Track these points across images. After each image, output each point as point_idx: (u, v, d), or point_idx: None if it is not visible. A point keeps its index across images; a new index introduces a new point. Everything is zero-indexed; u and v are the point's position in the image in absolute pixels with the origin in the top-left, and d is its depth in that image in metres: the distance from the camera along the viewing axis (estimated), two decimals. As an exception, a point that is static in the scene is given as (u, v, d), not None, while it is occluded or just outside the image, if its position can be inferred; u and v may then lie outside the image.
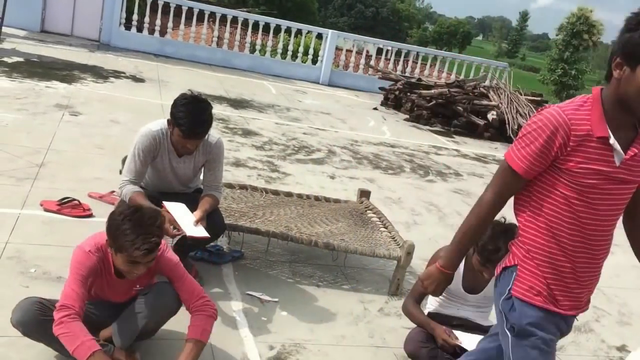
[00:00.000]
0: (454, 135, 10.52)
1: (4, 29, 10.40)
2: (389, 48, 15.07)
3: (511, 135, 10.70)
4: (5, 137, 5.30)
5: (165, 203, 3.16)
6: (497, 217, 2.97)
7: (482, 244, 2.81)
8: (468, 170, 8.03)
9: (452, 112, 11.05)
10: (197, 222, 3.12)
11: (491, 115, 10.87)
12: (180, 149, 3.29)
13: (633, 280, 5.09)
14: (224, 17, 13.28)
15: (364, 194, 4.84)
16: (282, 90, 11.48)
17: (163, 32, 12.77)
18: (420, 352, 2.98)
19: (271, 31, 13.66)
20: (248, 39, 13.34)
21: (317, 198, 4.68)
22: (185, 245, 3.35)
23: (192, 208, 3.22)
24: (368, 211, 4.57)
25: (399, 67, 14.43)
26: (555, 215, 1.93)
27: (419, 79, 12.02)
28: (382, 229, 4.29)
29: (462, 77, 13.97)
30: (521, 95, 12.05)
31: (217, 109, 8.12)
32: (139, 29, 12.69)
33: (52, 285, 3.15)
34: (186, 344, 2.49)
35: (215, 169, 3.44)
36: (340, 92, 12.85)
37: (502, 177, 2.00)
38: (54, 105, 6.77)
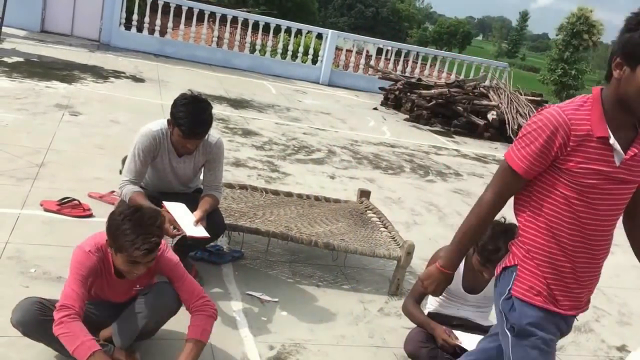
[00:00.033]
0: (454, 135, 10.52)
1: (4, 29, 10.40)
2: (389, 48, 15.08)
3: (511, 135, 10.70)
4: (5, 137, 5.30)
5: (165, 203, 3.16)
6: (497, 217, 2.98)
7: (482, 244, 2.81)
8: (468, 170, 8.03)
9: (452, 112, 11.05)
10: (197, 222, 3.12)
11: (491, 115, 10.87)
12: (180, 149, 3.29)
13: (633, 280, 5.09)
14: (224, 17, 13.28)
15: (364, 194, 4.85)
16: (282, 90, 11.48)
17: (163, 32, 12.77)
18: (420, 352, 2.98)
19: (271, 31, 13.67)
20: (248, 39, 13.34)
21: (317, 198, 4.68)
22: (185, 245, 3.35)
23: (192, 208, 3.22)
24: (368, 211, 4.57)
25: (399, 67, 14.43)
26: (555, 215, 1.93)
27: (419, 79, 12.02)
28: (382, 229, 4.29)
29: (462, 77, 13.97)
30: (521, 95, 12.05)
31: (217, 109, 8.12)
32: (139, 29, 12.69)
33: (52, 285, 3.15)
34: (186, 344, 2.50)
35: (215, 169, 3.44)
36: (340, 92, 12.85)
37: (502, 177, 2.00)
38: (54, 105, 6.77)
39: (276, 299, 3.55)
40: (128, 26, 12.59)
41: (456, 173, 7.71)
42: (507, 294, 2.02)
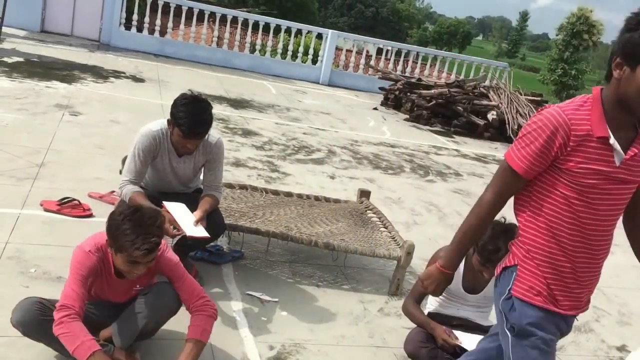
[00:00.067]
0: (454, 135, 10.52)
1: (4, 29, 10.40)
2: (389, 48, 15.08)
3: (511, 135, 10.70)
4: (6, 137, 5.30)
5: (165, 203, 3.16)
6: (497, 217, 2.98)
7: (482, 244, 2.81)
8: (468, 170, 8.03)
9: (452, 112, 11.05)
10: (197, 222, 3.12)
11: (491, 115, 10.87)
12: (180, 149, 3.29)
13: (633, 280, 5.09)
14: (224, 17, 13.28)
15: (364, 194, 4.84)
16: (282, 90, 11.48)
17: (163, 32, 12.77)
18: (420, 352, 2.98)
19: (271, 31, 13.67)
20: (248, 39, 13.34)
21: (317, 198, 4.68)
22: (185, 245, 3.35)
23: (192, 208, 3.22)
24: (368, 211, 4.57)
25: (399, 67, 14.43)
26: (555, 215, 1.93)
27: (419, 79, 12.03)
28: (382, 229, 4.29)
29: (462, 77, 13.97)
30: (521, 95, 12.05)
31: (217, 109, 8.12)
32: (139, 29, 12.69)
33: (52, 285, 3.15)
34: (186, 344, 2.50)
35: (215, 169, 3.44)
36: (340, 92, 12.86)
37: (502, 177, 2.00)
38: (54, 105, 6.77)
39: (276, 299, 3.55)
40: (128, 26, 12.60)
41: (456, 173, 7.71)
42: (507, 294, 2.02)
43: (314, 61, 13.98)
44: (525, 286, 1.99)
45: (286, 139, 7.60)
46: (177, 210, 3.14)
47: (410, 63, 14.59)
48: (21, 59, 9.03)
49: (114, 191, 4.38)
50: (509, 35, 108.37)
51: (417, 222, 5.51)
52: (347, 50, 15.78)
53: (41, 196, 4.21)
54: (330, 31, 13.83)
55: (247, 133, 7.43)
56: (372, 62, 14.22)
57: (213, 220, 3.28)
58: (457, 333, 2.97)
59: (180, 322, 2.72)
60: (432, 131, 10.49)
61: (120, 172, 3.43)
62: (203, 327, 2.53)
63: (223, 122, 7.65)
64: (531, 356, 1.97)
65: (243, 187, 4.53)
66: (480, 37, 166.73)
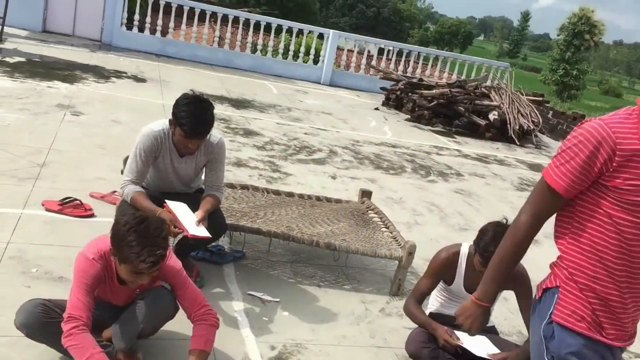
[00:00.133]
0: (456, 136, 10.51)
1: (6, 29, 10.41)
2: (390, 48, 15.07)
3: (512, 135, 10.71)
4: (7, 137, 5.31)
5: (168, 202, 3.16)
6: (499, 219, 2.99)
7: (483, 245, 2.81)
8: (469, 170, 8.02)
9: (453, 112, 11.05)
10: (198, 222, 3.12)
11: (493, 116, 10.86)
12: (182, 149, 3.29)
13: None
14: (225, 17, 13.28)
15: (366, 194, 4.84)
16: (283, 90, 11.48)
17: (164, 32, 12.78)
18: (421, 353, 2.98)
19: (272, 31, 13.67)
20: (249, 39, 13.35)
21: (318, 198, 4.68)
22: (187, 245, 3.35)
23: (194, 208, 3.22)
24: (369, 211, 4.57)
25: (400, 67, 14.42)
26: (600, 236, 1.77)
27: (420, 79, 12.02)
28: (384, 229, 4.29)
29: (463, 77, 13.97)
30: (522, 95, 12.06)
31: (219, 109, 8.10)
32: (141, 29, 12.70)
33: (53, 285, 3.16)
34: (190, 355, 2.48)
35: (216, 169, 3.44)
36: (342, 92, 12.85)
37: (539, 196, 1.84)
38: (55, 105, 6.77)
39: (277, 299, 3.55)
40: (129, 26, 12.60)
41: (457, 173, 7.71)
42: (548, 318, 1.84)
43: (316, 61, 13.98)
44: (567, 310, 1.81)
45: (287, 139, 7.60)
46: (179, 210, 3.14)
47: (411, 63, 14.60)
48: (23, 59, 9.04)
49: (115, 191, 4.38)
50: (511, 36, 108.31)
51: (419, 222, 5.51)
52: (348, 51, 15.78)
53: (43, 196, 4.21)
54: (331, 31, 13.83)
55: (248, 133, 7.43)
56: (374, 62, 14.22)
57: (214, 220, 3.28)
58: (459, 333, 2.97)
59: (181, 322, 2.71)
60: (433, 131, 10.48)
61: (122, 172, 3.43)
62: (207, 337, 2.53)
63: (224, 122, 7.66)
64: None
65: (244, 187, 4.53)
66: (481, 37, 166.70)
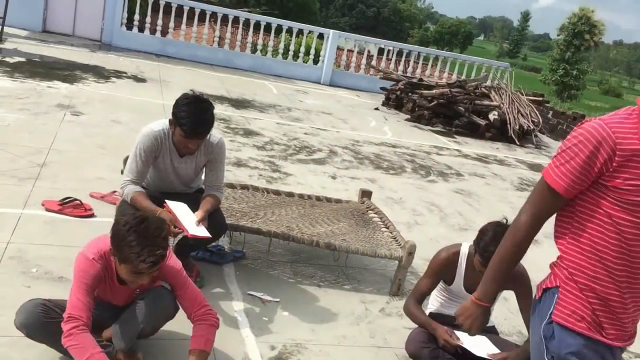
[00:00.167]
0: (455, 136, 10.51)
1: (6, 29, 10.41)
2: (390, 48, 15.07)
3: (512, 135, 10.71)
4: (7, 137, 5.31)
5: (168, 202, 3.16)
6: (498, 219, 2.99)
7: (483, 245, 2.81)
8: (469, 170, 8.02)
9: (453, 112, 11.05)
10: (198, 222, 3.12)
11: (492, 116, 10.86)
12: (182, 149, 3.29)
13: None
14: (225, 17, 13.28)
15: (366, 194, 4.84)
16: (283, 90, 11.48)
17: (164, 32, 12.78)
18: (421, 353, 2.98)
19: (272, 31, 13.68)
20: (249, 39, 13.35)
21: (318, 198, 4.68)
22: (187, 245, 3.35)
23: (194, 208, 3.22)
24: (369, 211, 4.57)
25: (400, 67, 14.42)
26: (600, 236, 1.77)
27: (420, 79, 12.02)
28: (384, 229, 4.29)
29: (463, 77, 13.97)
30: (522, 95, 12.06)
31: (219, 109, 8.10)
32: (141, 29, 12.70)
33: (53, 285, 3.16)
34: (190, 355, 2.48)
35: (216, 169, 3.44)
36: (342, 92, 12.86)
37: (539, 196, 1.83)
38: (55, 105, 6.77)
39: (277, 299, 3.55)
40: (129, 26, 12.60)
41: (457, 173, 7.71)
42: (548, 318, 1.83)
43: (316, 61, 13.98)
44: (567, 310, 1.81)
45: (287, 139, 7.60)
46: (179, 210, 3.14)
47: (411, 63, 14.60)
48: (23, 59, 9.04)
49: (115, 191, 4.38)
50: (511, 36, 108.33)
51: (419, 222, 5.51)
52: (348, 51, 15.78)
53: (43, 196, 4.21)
54: (331, 31, 13.83)
55: (248, 133, 7.43)
56: (374, 62, 14.22)
57: (214, 220, 3.28)
58: (459, 333, 2.97)
59: (181, 322, 2.71)
60: (433, 131, 10.48)
61: (122, 172, 3.43)
62: (207, 337, 2.53)
63: (224, 122, 7.66)
64: None
65: (244, 187, 4.53)
66: (481, 37, 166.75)
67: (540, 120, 11.68)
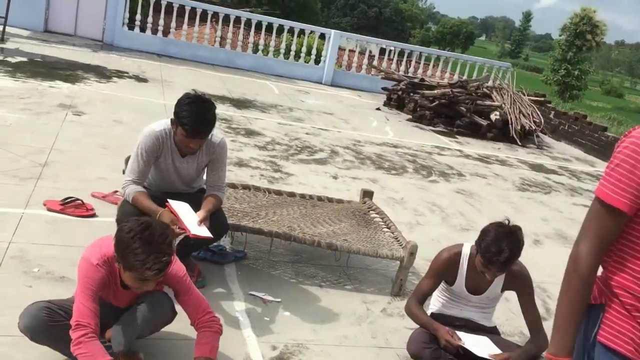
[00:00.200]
0: (457, 136, 10.50)
1: (8, 29, 10.43)
2: (392, 48, 15.05)
3: (514, 135, 10.70)
4: (9, 137, 5.31)
5: (170, 201, 3.16)
6: (500, 219, 2.98)
7: (485, 245, 2.80)
8: (471, 170, 8.02)
9: (455, 113, 11.04)
10: (200, 222, 3.12)
11: (494, 116, 10.85)
12: (184, 149, 3.29)
13: None
14: (227, 17, 13.30)
15: (367, 194, 4.84)
16: (284, 90, 11.48)
17: (166, 32, 12.79)
18: (423, 353, 2.98)
19: (274, 31, 13.67)
20: (251, 39, 13.35)
21: (319, 198, 4.67)
22: (188, 245, 3.35)
23: (195, 208, 3.22)
24: (371, 211, 4.57)
25: (402, 67, 14.41)
26: None
27: (422, 79, 12.02)
28: (385, 230, 4.28)
29: (465, 77, 13.95)
30: (524, 95, 12.05)
31: (220, 109, 8.12)
32: (142, 29, 12.71)
33: (55, 285, 3.16)
34: None
35: (218, 169, 3.44)
36: (343, 92, 12.85)
37: (598, 219, 1.66)
38: (57, 105, 6.78)
39: (279, 299, 3.55)
40: (131, 26, 12.62)
41: (459, 173, 7.70)
42: (592, 338, 1.71)
43: (317, 61, 13.98)
44: (613, 330, 1.67)
45: (289, 139, 7.60)
46: (181, 209, 3.14)
47: (413, 63, 14.59)
48: (24, 59, 9.05)
49: (117, 191, 4.38)
50: (512, 36, 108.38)
51: (420, 222, 5.50)
52: (349, 51, 15.79)
53: (44, 196, 4.21)
54: (333, 31, 13.83)
55: (250, 133, 7.43)
56: (375, 62, 14.22)
57: (216, 220, 3.28)
58: (460, 334, 2.97)
59: (182, 322, 2.72)
60: (434, 131, 10.48)
61: (124, 172, 3.43)
62: (212, 344, 2.53)
63: (226, 122, 7.66)
64: None
65: (246, 187, 4.53)
66: (483, 38, 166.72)
67: (542, 121, 11.67)
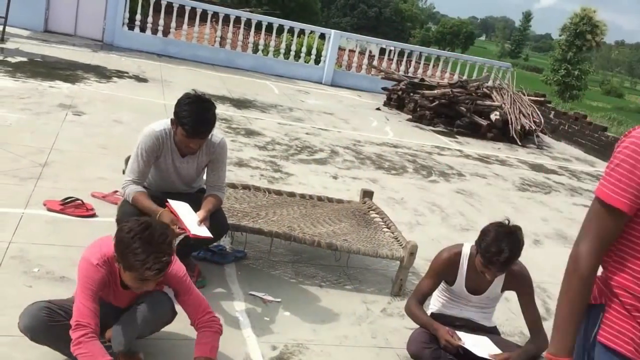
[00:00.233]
0: (457, 136, 10.51)
1: (8, 29, 10.43)
2: (392, 48, 15.05)
3: (514, 135, 10.70)
4: (9, 137, 5.31)
5: (170, 201, 3.16)
6: (500, 219, 2.98)
7: (485, 245, 2.80)
8: (471, 170, 8.02)
9: (455, 113, 11.04)
10: (200, 222, 3.12)
11: (494, 116, 10.86)
12: (184, 149, 3.29)
13: None
14: (227, 17, 13.30)
15: (367, 194, 4.84)
16: (284, 90, 11.48)
17: (166, 32, 12.79)
18: (423, 353, 2.98)
19: (274, 31, 13.68)
20: (251, 39, 13.35)
21: (319, 198, 4.67)
22: (188, 245, 3.35)
23: (195, 208, 3.22)
24: (371, 211, 4.57)
25: (402, 67, 14.41)
26: None
27: (422, 79, 12.02)
28: (385, 230, 4.28)
29: (465, 77, 13.95)
30: (524, 95, 12.05)
31: (220, 109, 8.12)
32: (142, 29, 12.71)
33: (55, 285, 3.16)
34: None
35: (218, 169, 3.44)
36: (343, 92, 12.85)
37: (598, 220, 1.66)
38: (57, 105, 6.78)
39: (279, 299, 3.55)
40: (131, 26, 12.62)
41: (459, 173, 7.70)
42: (592, 338, 1.71)
43: (317, 61, 13.98)
44: (613, 330, 1.67)
45: (289, 139, 7.60)
46: (181, 209, 3.14)
47: (413, 63, 14.59)
48: (25, 59, 9.05)
49: (117, 191, 4.38)
50: (512, 36, 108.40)
51: (420, 222, 5.50)
52: (349, 51, 15.79)
53: (44, 196, 4.21)
54: (333, 31, 13.83)
55: (250, 133, 7.43)
56: (375, 62, 14.23)
57: (216, 220, 3.28)
58: (460, 334, 2.97)
59: (182, 322, 2.72)
60: (434, 131, 10.48)
61: (124, 172, 3.43)
62: (212, 344, 2.53)
63: (226, 122, 7.66)
64: None
65: (246, 187, 4.53)
66: (483, 38, 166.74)
67: (542, 121, 11.67)
